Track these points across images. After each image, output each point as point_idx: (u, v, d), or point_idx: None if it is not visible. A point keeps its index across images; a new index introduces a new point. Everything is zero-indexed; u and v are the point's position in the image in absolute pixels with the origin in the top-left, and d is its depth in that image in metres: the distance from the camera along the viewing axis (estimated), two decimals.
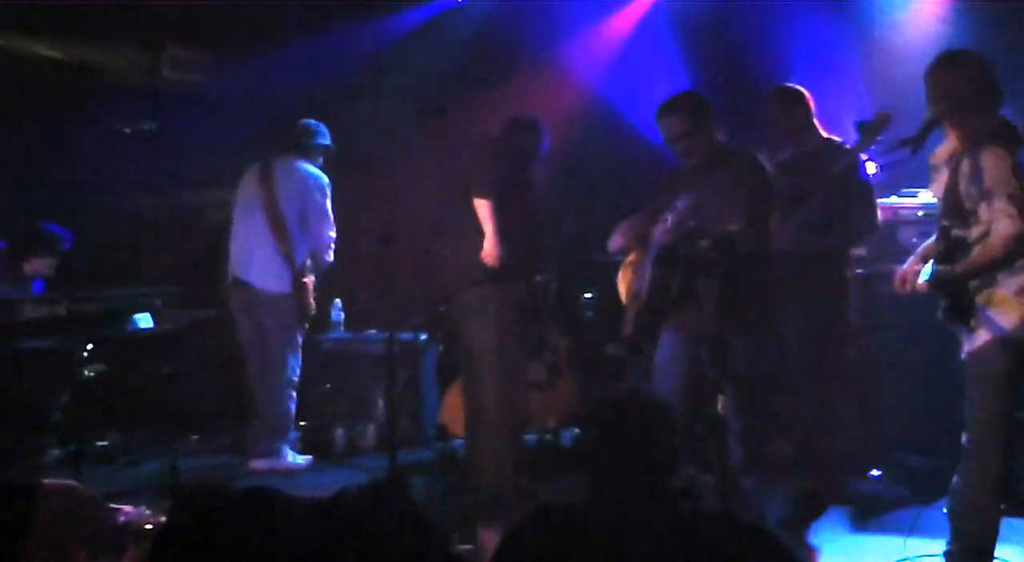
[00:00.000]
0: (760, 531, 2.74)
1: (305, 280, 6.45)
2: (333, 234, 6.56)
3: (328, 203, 6.55)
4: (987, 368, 4.18)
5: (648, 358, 5.10)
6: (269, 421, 6.40)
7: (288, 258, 6.42)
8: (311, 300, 6.51)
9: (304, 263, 6.48)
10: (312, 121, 6.67)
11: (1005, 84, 4.23)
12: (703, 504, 3.02)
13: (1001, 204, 3.98)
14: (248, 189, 6.62)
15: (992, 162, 4.03)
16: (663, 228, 4.91)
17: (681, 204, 4.86)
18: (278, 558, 2.89)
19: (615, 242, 5.18)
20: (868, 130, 5.20)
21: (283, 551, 2.93)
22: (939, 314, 4.28)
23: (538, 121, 5.92)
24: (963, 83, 4.20)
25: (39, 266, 6.53)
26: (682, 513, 2.71)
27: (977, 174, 4.05)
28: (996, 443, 4.29)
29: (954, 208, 4.19)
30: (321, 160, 6.65)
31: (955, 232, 4.18)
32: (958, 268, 4.13)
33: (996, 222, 4.01)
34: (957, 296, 4.20)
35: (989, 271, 4.10)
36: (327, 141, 6.67)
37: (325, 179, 6.57)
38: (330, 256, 6.56)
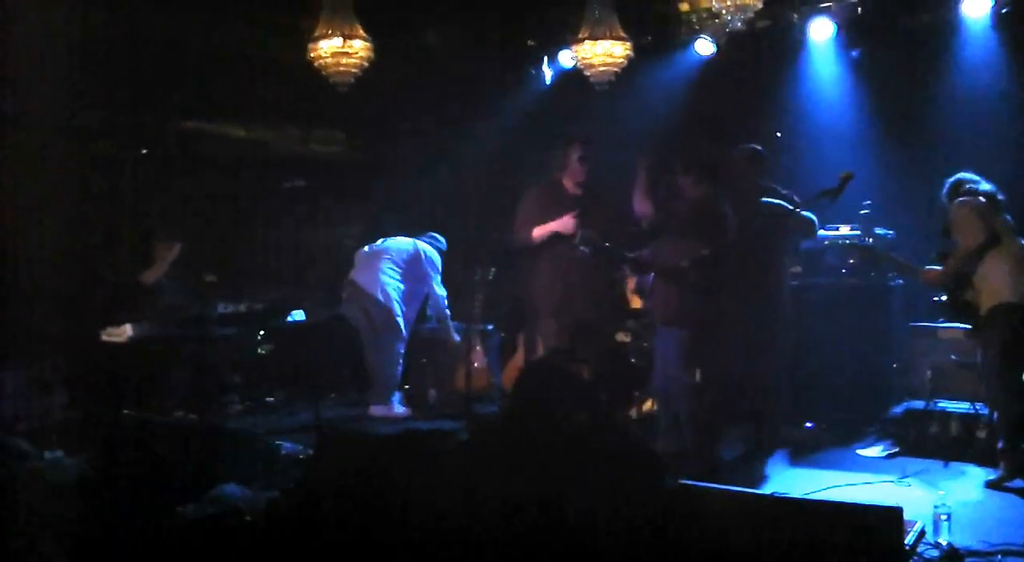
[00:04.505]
0: (627, 441, 2.89)
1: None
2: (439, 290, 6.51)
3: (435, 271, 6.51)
4: None
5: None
6: (384, 382, 6.38)
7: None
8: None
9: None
10: (441, 236, 6.68)
11: None
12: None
13: None
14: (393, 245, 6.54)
15: None
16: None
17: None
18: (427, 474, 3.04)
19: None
20: (829, 194, 4.93)
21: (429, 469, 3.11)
22: None
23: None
24: None
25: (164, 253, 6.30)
26: (568, 432, 2.90)
27: None
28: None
29: None
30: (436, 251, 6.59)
31: None
32: None
33: None
34: None
35: None
36: (444, 247, 6.65)
37: (438, 259, 6.53)
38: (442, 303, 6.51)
